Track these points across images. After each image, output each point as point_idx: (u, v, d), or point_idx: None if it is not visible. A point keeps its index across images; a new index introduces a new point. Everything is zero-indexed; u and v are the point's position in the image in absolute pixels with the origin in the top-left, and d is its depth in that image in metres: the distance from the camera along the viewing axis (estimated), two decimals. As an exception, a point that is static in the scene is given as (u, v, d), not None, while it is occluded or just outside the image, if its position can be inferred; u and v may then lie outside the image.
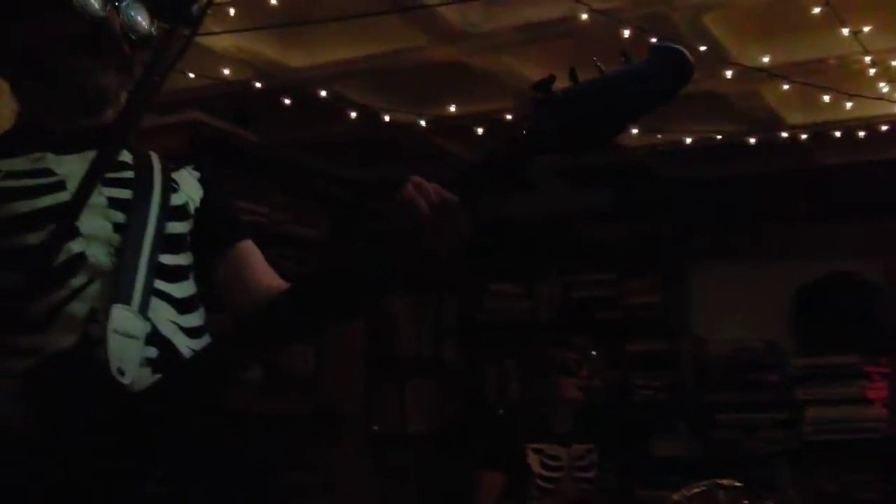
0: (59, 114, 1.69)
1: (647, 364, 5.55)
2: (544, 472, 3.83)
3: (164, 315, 1.60)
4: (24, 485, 1.47)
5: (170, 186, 1.70)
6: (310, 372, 4.92)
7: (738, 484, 3.43)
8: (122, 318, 1.53)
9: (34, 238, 1.55)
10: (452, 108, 4.25)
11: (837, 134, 4.39)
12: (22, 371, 1.49)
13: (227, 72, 3.81)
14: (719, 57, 3.64)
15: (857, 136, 4.38)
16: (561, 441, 3.90)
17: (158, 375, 1.54)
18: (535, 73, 4.02)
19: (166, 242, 1.65)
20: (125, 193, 1.64)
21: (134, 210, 1.62)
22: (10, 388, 1.49)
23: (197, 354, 1.61)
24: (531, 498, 3.80)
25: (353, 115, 4.22)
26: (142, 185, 1.66)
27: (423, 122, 4.33)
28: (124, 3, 1.65)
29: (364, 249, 1.54)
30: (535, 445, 3.85)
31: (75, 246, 1.56)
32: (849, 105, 3.90)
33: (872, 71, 3.77)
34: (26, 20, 1.65)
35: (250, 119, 4.53)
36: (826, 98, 3.84)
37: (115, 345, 1.50)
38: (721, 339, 5.48)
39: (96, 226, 1.59)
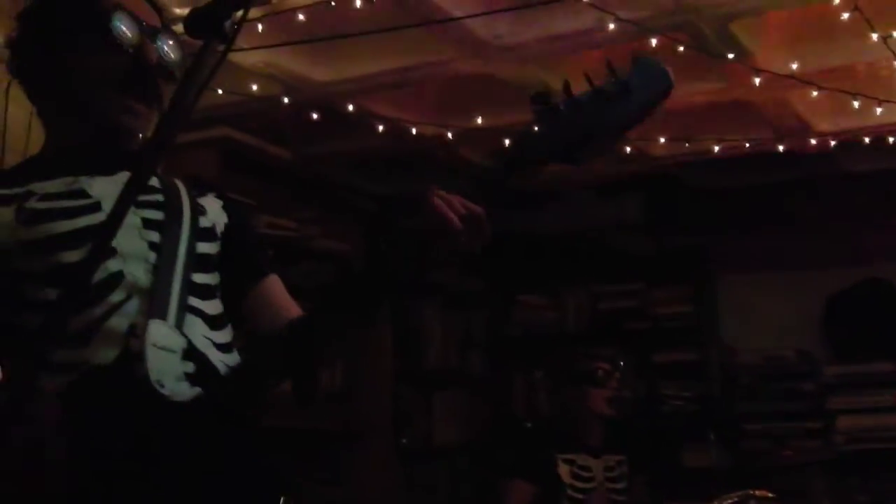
0: (90, 143, 1.73)
1: (676, 374, 5.52)
2: (576, 483, 3.81)
3: (198, 331, 1.65)
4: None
5: (197, 209, 1.76)
6: (338, 387, 4.92)
7: (770, 495, 3.41)
8: (160, 332, 1.58)
9: (73, 257, 1.60)
10: (479, 121, 4.24)
11: (867, 140, 4.36)
12: (63, 385, 1.52)
13: (255, 87, 3.83)
14: (747, 65, 3.63)
15: (887, 142, 4.35)
16: (592, 452, 3.88)
17: (196, 389, 1.58)
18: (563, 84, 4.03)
19: (197, 261, 1.70)
20: (157, 215, 1.69)
21: (167, 230, 1.68)
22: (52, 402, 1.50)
23: (238, 368, 1.65)
24: (563, 509, 3.78)
25: (381, 128, 4.23)
26: (172, 208, 1.72)
27: (449, 135, 4.33)
28: (158, 36, 1.72)
29: (389, 252, 1.59)
30: (566, 456, 3.83)
31: (113, 264, 1.61)
32: (879, 111, 3.87)
33: (902, 76, 3.75)
34: (64, 51, 1.70)
35: (285, 137, 4.56)
36: (856, 104, 3.82)
37: (154, 359, 1.55)
38: (751, 349, 5.45)
39: (133, 245, 1.64)
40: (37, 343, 1.36)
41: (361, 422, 4.95)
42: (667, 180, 5.16)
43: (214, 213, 1.81)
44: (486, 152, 4.67)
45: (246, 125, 4.31)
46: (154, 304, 1.60)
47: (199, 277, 1.70)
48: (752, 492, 3.40)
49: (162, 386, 1.54)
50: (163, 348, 1.57)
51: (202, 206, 1.78)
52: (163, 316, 1.59)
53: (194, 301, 1.66)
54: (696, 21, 3.40)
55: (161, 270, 1.64)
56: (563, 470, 3.80)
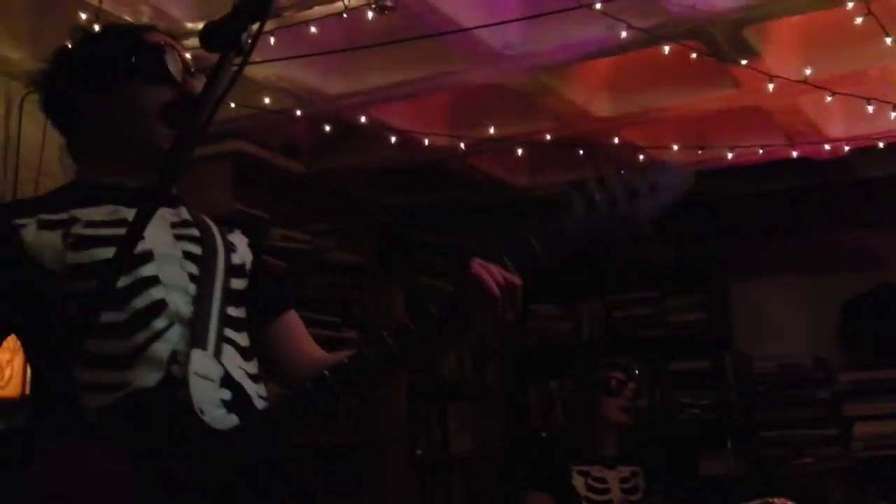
0: (128, 173, 1.81)
1: (691, 382, 5.51)
2: (591, 496, 3.78)
3: (233, 361, 1.74)
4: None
5: (228, 246, 1.87)
6: (355, 400, 4.92)
7: (789, 503, 3.39)
8: (201, 361, 1.67)
9: (118, 282, 1.63)
10: (492, 131, 4.24)
11: (881, 145, 4.34)
12: (107, 405, 1.62)
13: (267, 100, 3.84)
14: (760, 71, 3.62)
15: (901, 147, 4.34)
16: (606, 463, 3.86)
17: (232, 416, 1.67)
18: (575, 94, 4.03)
19: (231, 296, 1.81)
20: (196, 249, 1.79)
21: (204, 264, 1.78)
22: (94, 422, 1.61)
23: (279, 408, 1.72)
24: (580, 520, 3.75)
25: (393, 140, 4.23)
26: (207, 243, 1.82)
27: (462, 146, 4.33)
28: (195, 72, 1.83)
29: (438, 317, 1.71)
30: (581, 467, 3.81)
31: (157, 292, 1.70)
32: (893, 115, 3.86)
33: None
34: (115, 85, 1.80)
35: (298, 150, 4.57)
36: (870, 109, 3.80)
37: (195, 385, 1.64)
38: (766, 356, 5.43)
39: (175, 276, 1.74)
40: (71, 335, 1.44)
41: (378, 434, 4.95)
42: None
43: (243, 250, 1.91)
44: (502, 163, 4.66)
45: (259, 138, 4.32)
46: (195, 333, 1.69)
47: (232, 311, 1.79)
48: (771, 499, 3.37)
49: (202, 412, 1.63)
50: (203, 376, 1.66)
51: (233, 244, 1.88)
52: (203, 345, 1.69)
53: (229, 333, 1.76)
54: (708, 28, 3.39)
55: (201, 302, 1.73)
56: (578, 482, 3.78)
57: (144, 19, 3.24)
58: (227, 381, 1.70)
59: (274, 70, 3.64)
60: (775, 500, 3.38)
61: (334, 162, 4.70)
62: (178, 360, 1.66)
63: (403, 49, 3.51)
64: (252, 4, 1.40)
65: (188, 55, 1.86)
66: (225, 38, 1.40)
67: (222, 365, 1.70)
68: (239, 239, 1.93)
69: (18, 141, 3.67)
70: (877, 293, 5.27)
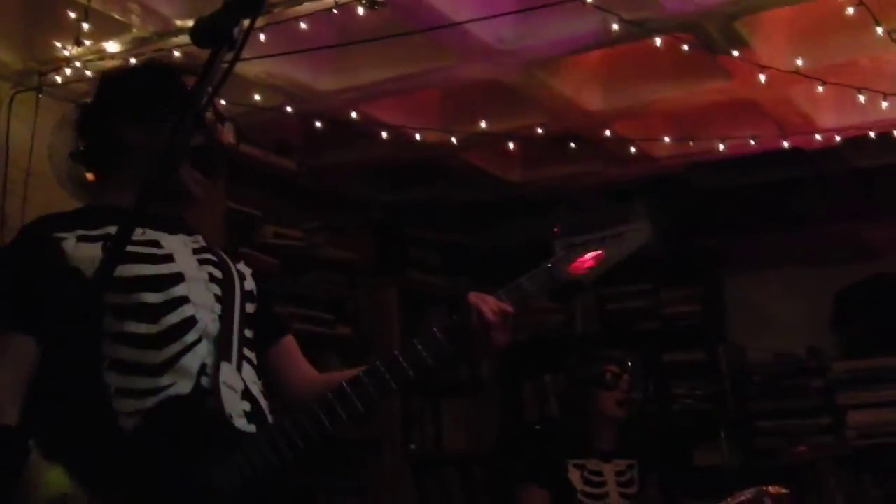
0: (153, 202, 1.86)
1: (686, 374, 5.51)
2: (587, 489, 3.78)
3: (250, 377, 1.92)
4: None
5: (240, 274, 2.03)
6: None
7: (784, 491, 3.39)
8: (228, 373, 1.85)
9: (153, 298, 1.83)
10: (484, 125, 4.24)
11: (873, 135, 4.35)
12: (143, 410, 1.76)
13: (258, 98, 3.83)
14: (752, 62, 3.61)
15: (893, 137, 4.34)
16: (602, 456, 3.86)
17: (252, 426, 1.85)
18: (567, 87, 4.02)
19: (246, 318, 1.98)
20: (217, 273, 1.95)
21: (225, 287, 1.94)
22: (128, 425, 1.75)
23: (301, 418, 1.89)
24: (576, 514, 3.75)
25: (385, 135, 4.22)
26: (225, 269, 1.98)
27: (454, 141, 4.32)
28: (227, 123, 1.97)
29: (431, 342, 1.95)
30: (576, 461, 3.81)
31: (188, 309, 1.86)
32: (884, 105, 3.86)
33: (908, 70, 3.74)
34: (152, 124, 1.90)
35: (290, 147, 4.56)
36: (861, 99, 3.80)
37: (225, 395, 1.82)
38: (760, 347, 5.43)
39: (202, 296, 1.89)
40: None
41: (373, 430, 4.95)
42: (673, 181, 5.14)
43: (249, 278, 2.07)
44: (495, 158, 4.65)
45: (250, 136, 4.30)
46: (220, 348, 1.86)
47: (247, 332, 1.97)
48: (765, 488, 3.38)
49: (231, 419, 1.81)
50: (230, 387, 1.83)
51: (242, 272, 2.04)
52: (229, 359, 1.86)
53: (246, 351, 1.94)
54: (699, 20, 3.38)
55: (226, 320, 1.90)
56: (574, 475, 3.78)
57: (134, 17, 3.23)
58: (247, 394, 1.88)
59: (264, 67, 3.63)
60: (770, 488, 3.38)
61: (327, 158, 4.69)
62: (206, 371, 1.82)
63: (395, 45, 3.50)
64: (243, 0, 1.40)
65: (223, 102, 1.96)
66: (216, 34, 1.39)
67: (243, 379, 1.88)
68: (245, 269, 2.08)
69: (7, 141, 3.65)
70: (869, 283, 5.28)
